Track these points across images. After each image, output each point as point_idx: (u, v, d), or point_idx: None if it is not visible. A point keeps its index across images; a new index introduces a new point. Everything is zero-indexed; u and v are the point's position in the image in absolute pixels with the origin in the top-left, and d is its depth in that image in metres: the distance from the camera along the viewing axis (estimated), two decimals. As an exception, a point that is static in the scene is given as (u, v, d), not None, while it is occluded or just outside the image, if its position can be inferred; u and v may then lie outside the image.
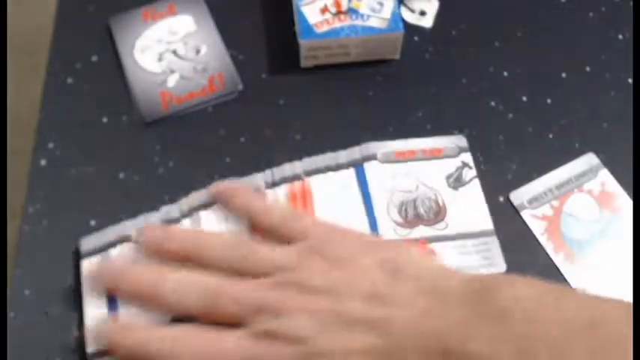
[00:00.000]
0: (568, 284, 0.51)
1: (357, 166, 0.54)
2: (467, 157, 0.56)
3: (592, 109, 0.58)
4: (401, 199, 0.53)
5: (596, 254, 0.52)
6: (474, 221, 0.53)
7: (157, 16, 0.62)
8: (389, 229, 0.52)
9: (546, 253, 0.52)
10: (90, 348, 0.47)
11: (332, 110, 0.59)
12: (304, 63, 0.60)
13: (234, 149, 0.57)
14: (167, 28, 0.62)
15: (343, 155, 0.55)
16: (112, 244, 0.51)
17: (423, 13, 0.64)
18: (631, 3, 0.65)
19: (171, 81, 0.59)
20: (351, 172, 0.54)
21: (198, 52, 0.61)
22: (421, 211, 0.52)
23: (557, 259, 0.52)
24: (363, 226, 0.52)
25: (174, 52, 0.60)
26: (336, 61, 0.60)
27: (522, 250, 0.52)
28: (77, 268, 0.51)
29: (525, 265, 0.52)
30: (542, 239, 0.53)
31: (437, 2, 0.64)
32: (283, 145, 0.57)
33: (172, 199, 0.54)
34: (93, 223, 0.53)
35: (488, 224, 0.53)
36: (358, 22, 0.58)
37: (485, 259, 0.51)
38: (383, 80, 0.60)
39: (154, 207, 0.53)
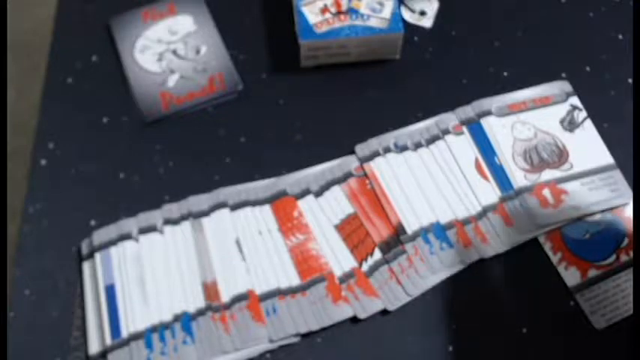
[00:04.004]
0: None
1: (472, 123, 0.56)
2: (575, 100, 0.58)
3: (592, 109, 0.58)
4: (523, 147, 0.56)
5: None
6: (595, 158, 0.55)
7: (157, 16, 0.62)
8: (519, 177, 0.54)
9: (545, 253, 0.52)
10: (91, 349, 0.47)
11: (332, 110, 0.59)
12: (304, 63, 0.60)
13: (234, 149, 0.57)
14: (167, 28, 0.62)
15: (453, 115, 0.57)
16: (113, 242, 0.51)
17: (423, 13, 0.64)
18: (631, 3, 0.65)
19: (172, 81, 0.59)
20: (465, 133, 0.56)
21: (198, 52, 0.61)
22: (544, 155, 0.55)
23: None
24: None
25: (174, 52, 0.60)
26: (336, 61, 0.60)
27: (522, 249, 0.52)
28: (78, 268, 0.51)
29: (524, 264, 0.52)
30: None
31: (437, 2, 0.64)
32: (283, 145, 0.57)
33: (172, 199, 0.54)
34: (93, 223, 0.53)
35: (608, 159, 0.55)
36: (358, 22, 0.58)
37: (613, 191, 0.54)
38: (383, 80, 0.60)
39: (154, 207, 0.53)
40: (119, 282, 0.50)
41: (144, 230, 0.52)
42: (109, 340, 0.48)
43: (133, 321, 0.48)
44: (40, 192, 0.54)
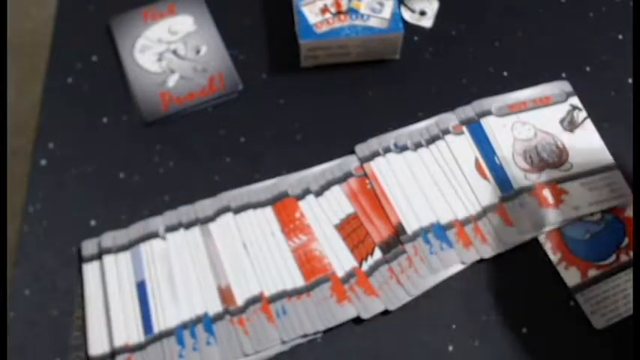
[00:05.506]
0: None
1: (472, 123, 0.56)
2: (574, 100, 0.59)
3: (592, 109, 0.58)
4: (523, 147, 0.56)
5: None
6: (595, 158, 0.56)
7: (157, 16, 0.62)
8: (519, 176, 0.54)
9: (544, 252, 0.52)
10: (92, 350, 0.47)
11: (332, 110, 0.59)
12: (304, 63, 0.60)
13: (234, 149, 0.57)
14: (167, 28, 0.62)
15: (453, 115, 0.57)
16: (141, 239, 0.51)
17: (423, 13, 0.64)
18: (631, 3, 0.65)
19: (172, 81, 0.59)
20: (465, 133, 0.56)
21: (198, 52, 0.61)
22: (544, 155, 0.55)
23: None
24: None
25: (175, 52, 0.60)
26: (336, 61, 0.60)
27: (522, 249, 0.53)
28: (78, 269, 0.51)
29: (524, 264, 0.52)
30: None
31: (437, 2, 0.64)
32: (283, 145, 0.57)
33: (172, 199, 0.54)
34: (93, 223, 0.53)
35: (608, 159, 0.56)
36: (358, 22, 0.58)
37: (612, 191, 0.54)
38: (383, 80, 0.60)
39: (154, 207, 0.53)
40: (150, 279, 0.50)
41: (170, 229, 0.52)
42: (142, 337, 0.48)
43: (164, 318, 0.49)
44: (40, 192, 0.54)
